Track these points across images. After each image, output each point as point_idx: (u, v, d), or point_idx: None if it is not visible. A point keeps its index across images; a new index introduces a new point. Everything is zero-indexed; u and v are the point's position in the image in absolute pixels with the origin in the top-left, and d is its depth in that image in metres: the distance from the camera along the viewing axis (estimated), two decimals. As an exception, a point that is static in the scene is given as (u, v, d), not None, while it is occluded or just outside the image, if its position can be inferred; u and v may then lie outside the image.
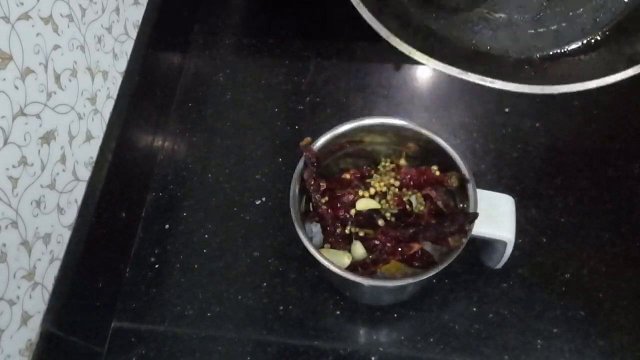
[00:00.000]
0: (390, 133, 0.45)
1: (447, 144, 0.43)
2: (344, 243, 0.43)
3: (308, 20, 0.68)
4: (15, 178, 0.38)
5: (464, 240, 0.39)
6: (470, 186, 0.41)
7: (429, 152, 0.44)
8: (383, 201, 0.44)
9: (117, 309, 0.51)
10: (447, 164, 0.43)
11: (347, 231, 0.43)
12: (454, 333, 0.48)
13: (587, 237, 0.51)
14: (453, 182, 0.42)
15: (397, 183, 0.44)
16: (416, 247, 0.41)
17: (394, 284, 0.40)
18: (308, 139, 0.43)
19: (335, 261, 0.40)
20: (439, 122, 0.59)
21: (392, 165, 0.47)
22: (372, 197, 0.44)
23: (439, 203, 0.43)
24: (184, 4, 0.67)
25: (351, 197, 0.44)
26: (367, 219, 0.43)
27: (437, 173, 0.43)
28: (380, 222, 0.42)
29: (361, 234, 0.43)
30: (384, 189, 0.44)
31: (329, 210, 0.43)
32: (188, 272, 0.52)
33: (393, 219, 0.43)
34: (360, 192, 0.44)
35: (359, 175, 0.46)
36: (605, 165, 0.55)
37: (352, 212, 0.43)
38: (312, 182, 0.43)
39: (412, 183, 0.44)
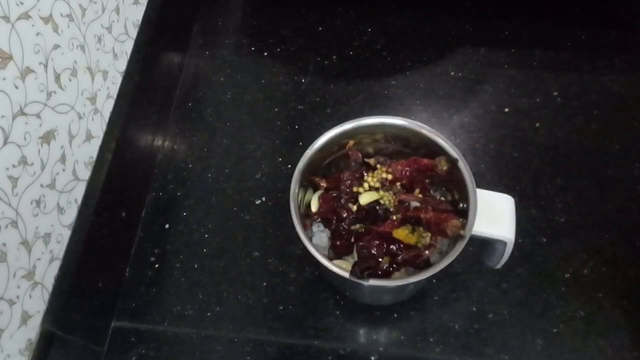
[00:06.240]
0: (390, 132, 0.45)
1: (430, 133, 0.43)
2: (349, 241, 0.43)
3: (308, 20, 0.68)
4: (15, 178, 0.38)
5: (462, 233, 0.39)
6: (461, 165, 0.41)
7: (417, 148, 0.45)
8: (382, 192, 0.44)
9: (117, 309, 0.51)
10: (436, 153, 0.44)
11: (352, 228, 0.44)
12: (454, 333, 0.48)
13: (587, 237, 0.51)
14: (443, 165, 0.42)
15: (390, 177, 0.44)
16: (426, 254, 0.41)
17: (394, 284, 0.40)
18: (351, 142, 0.45)
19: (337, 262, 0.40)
20: (439, 122, 0.59)
21: (382, 159, 0.47)
22: (373, 189, 0.44)
23: (432, 192, 0.43)
24: (184, 4, 0.67)
25: (354, 190, 0.44)
26: (370, 212, 0.43)
27: (426, 160, 0.44)
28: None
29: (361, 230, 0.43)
30: (378, 184, 0.44)
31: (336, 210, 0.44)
32: (188, 272, 0.52)
33: (393, 209, 0.43)
34: (355, 189, 0.44)
35: (357, 175, 0.46)
36: (605, 165, 0.55)
37: (354, 208, 0.44)
38: (349, 183, 0.43)
39: (405, 174, 0.44)
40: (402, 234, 0.41)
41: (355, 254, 0.43)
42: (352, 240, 0.43)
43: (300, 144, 0.59)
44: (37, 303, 0.42)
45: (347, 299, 0.50)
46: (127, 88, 0.53)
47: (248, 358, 0.48)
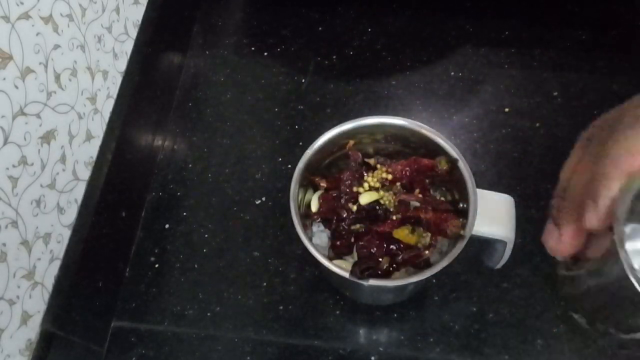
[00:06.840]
0: (390, 132, 0.45)
1: (430, 133, 0.43)
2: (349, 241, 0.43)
3: (308, 20, 0.68)
4: (15, 178, 0.38)
5: (462, 233, 0.39)
6: (461, 165, 0.41)
7: (417, 148, 0.45)
8: (382, 192, 0.44)
9: (117, 309, 0.51)
10: (436, 153, 0.44)
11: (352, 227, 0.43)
12: (454, 333, 0.48)
13: (587, 237, 0.51)
14: (443, 165, 0.42)
15: (390, 177, 0.44)
16: (426, 254, 0.41)
17: (394, 284, 0.40)
18: (351, 142, 0.45)
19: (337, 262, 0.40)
20: (439, 122, 0.59)
21: (382, 159, 0.47)
22: (373, 189, 0.44)
23: (432, 192, 0.43)
24: (184, 4, 0.67)
25: (354, 190, 0.44)
26: (370, 212, 0.43)
27: (426, 160, 0.44)
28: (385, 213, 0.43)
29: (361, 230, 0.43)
30: (378, 184, 0.44)
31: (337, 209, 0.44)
32: (188, 272, 0.52)
33: (393, 209, 0.43)
34: (355, 189, 0.44)
35: (357, 175, 0.46)
36: (605, 165, 0.55)
37: (354, 208, 0.44)
38: (349, 183, 0.43)
39: (405, 174, 0.44)
40: (402, 234, 0.41)
41: (355, 254, 0.43)
42: (352, 240, 0.43)
43: (300, 144, 0.59)
44: (37, 303, 0.42)
45: (347, 299, 0.50)
46: (127, 88, 0.54)
47: (248, 358, 0.48)
